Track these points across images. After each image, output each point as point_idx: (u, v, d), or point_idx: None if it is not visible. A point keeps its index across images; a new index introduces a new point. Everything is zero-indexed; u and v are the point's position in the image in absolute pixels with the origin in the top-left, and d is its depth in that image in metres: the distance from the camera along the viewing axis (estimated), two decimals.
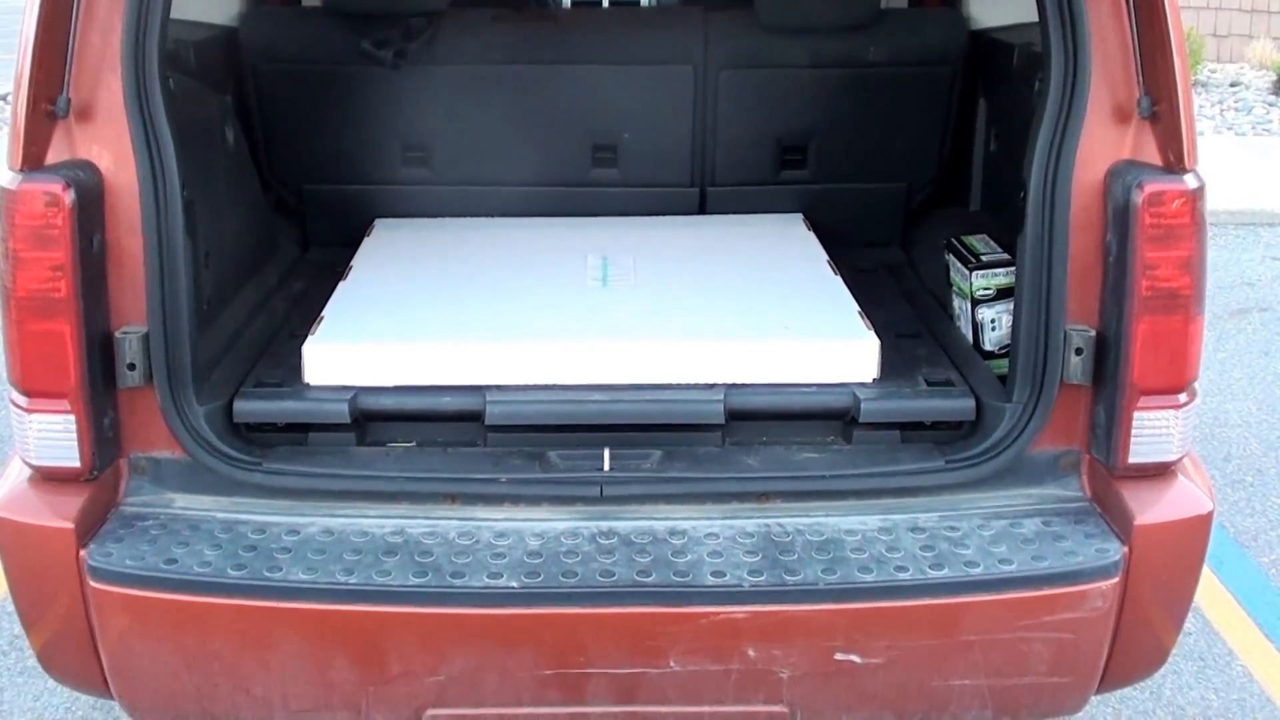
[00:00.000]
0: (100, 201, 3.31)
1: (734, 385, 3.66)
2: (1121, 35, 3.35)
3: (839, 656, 3.25)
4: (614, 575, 3.22)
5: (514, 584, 3.20)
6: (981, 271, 4.10)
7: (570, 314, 3.97)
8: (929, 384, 3.77)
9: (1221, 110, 15.46)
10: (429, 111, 4.95)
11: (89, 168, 3.29)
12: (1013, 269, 3.76)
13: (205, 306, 3.76)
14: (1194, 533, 3.42)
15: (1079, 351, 3.39)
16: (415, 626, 3.24)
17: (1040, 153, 3.37)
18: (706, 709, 3.33)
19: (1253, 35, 18.42)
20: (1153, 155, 3.34)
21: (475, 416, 3.60)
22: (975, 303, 4.10)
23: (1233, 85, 16.88)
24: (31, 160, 3.24)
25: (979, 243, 4.20)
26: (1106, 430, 3.39)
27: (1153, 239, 3.23)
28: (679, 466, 3.53)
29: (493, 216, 4.99)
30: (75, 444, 3.31)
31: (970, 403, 3.65)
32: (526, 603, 3.20)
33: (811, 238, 4.74)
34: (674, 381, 3.67)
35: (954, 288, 4.24)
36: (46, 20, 3.21)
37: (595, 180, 5.06)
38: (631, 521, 3.43)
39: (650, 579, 3.21)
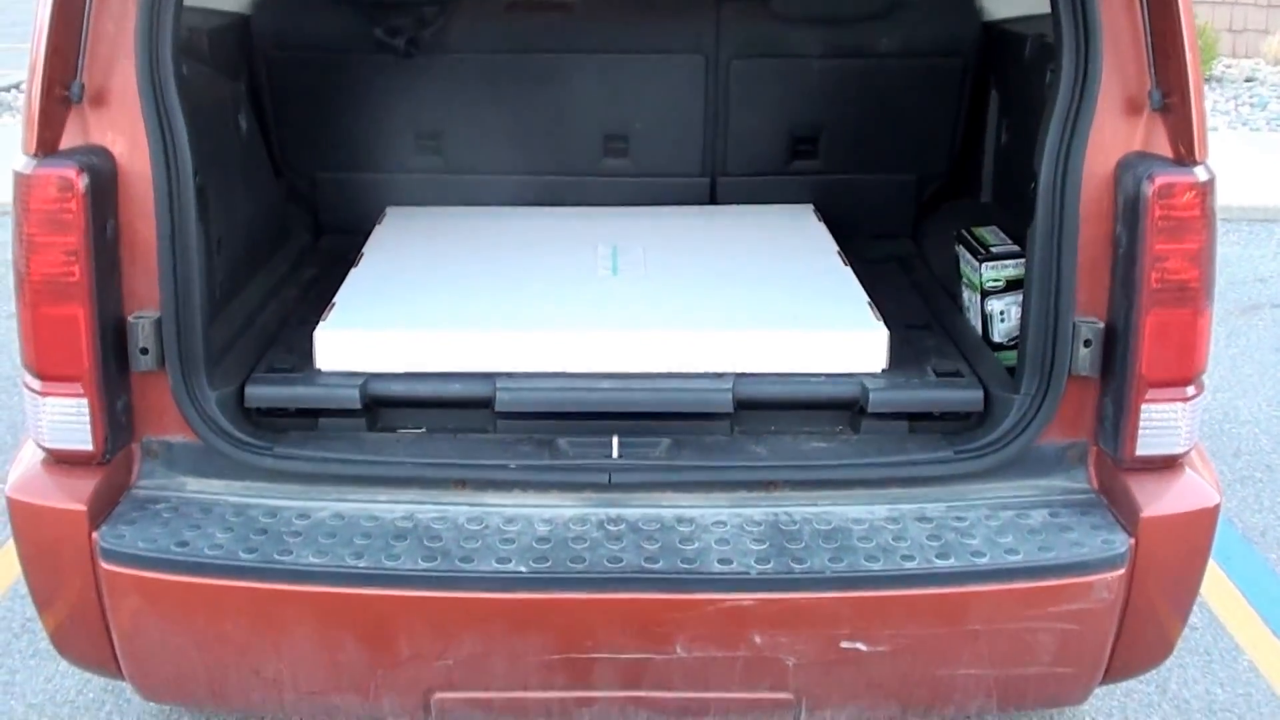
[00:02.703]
0: (114, 187, 3.33)
1: (743, 374, 3.67)
2: (1133, 27, 3.36)
3: (845, 644, 3.26)
4: (622, 561, 3.24)
5: (522, 569, 3.22)
6: (991, 263, 4.10)
7: (580, 303, 3.99)
8: (938, 375, 3.78)
9: (1236, 106, 15.43)
10: (441, 100, 4.97)
11: (103, 153, 3.31)
12: (1022, 261, 3.77)
13: (217, 292, 3.78)
14: (1200, 525, 3.43)
15: (1087, 343, 3.40)
16: (424, 610, 3.26)
17: (1051, 144, 3.38)
18: (713, 695, 3.35)
19: (1269, 30, 18.37)
20: (1164, 148, 3.35)
21: (485, 403, 3.62)
22: (984, 294, 4.11)
23: (1248, 80, 16.85)
24: (46, 145, 3.26)
25: (989, 234, 4.21)
26: (1114, 422, 3.40)
27: (1162, 231, 3.24)
28: (687, 455, 3.54)
29: (504, 205, 5.00)
30: (88, 427, 3.34)
31: (979, 394, 3.66)
32: (535, 588, 3.22)
33: (822, 228, 4.75)
34: (683, 370, 3.69)
35: (963, 279, 4.25)
36: (61, 6, 3.23)
37: (606, 170, 5.08)
38: (639, 509, 3.44)
39: (658, 566, 3.23)
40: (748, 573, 3.22)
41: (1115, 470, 3.45)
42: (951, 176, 5.18)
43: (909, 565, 3.24)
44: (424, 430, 3.69)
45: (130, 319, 3.39)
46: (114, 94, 3.34)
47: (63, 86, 3.29)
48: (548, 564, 3.23)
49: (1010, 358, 3.76)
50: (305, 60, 4.92)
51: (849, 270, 4.27)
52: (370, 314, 3.88)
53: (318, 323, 3.78)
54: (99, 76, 3.33)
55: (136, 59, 3.31)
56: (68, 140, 3.31)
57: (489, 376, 3.64)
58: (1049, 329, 3.42)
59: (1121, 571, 3.29)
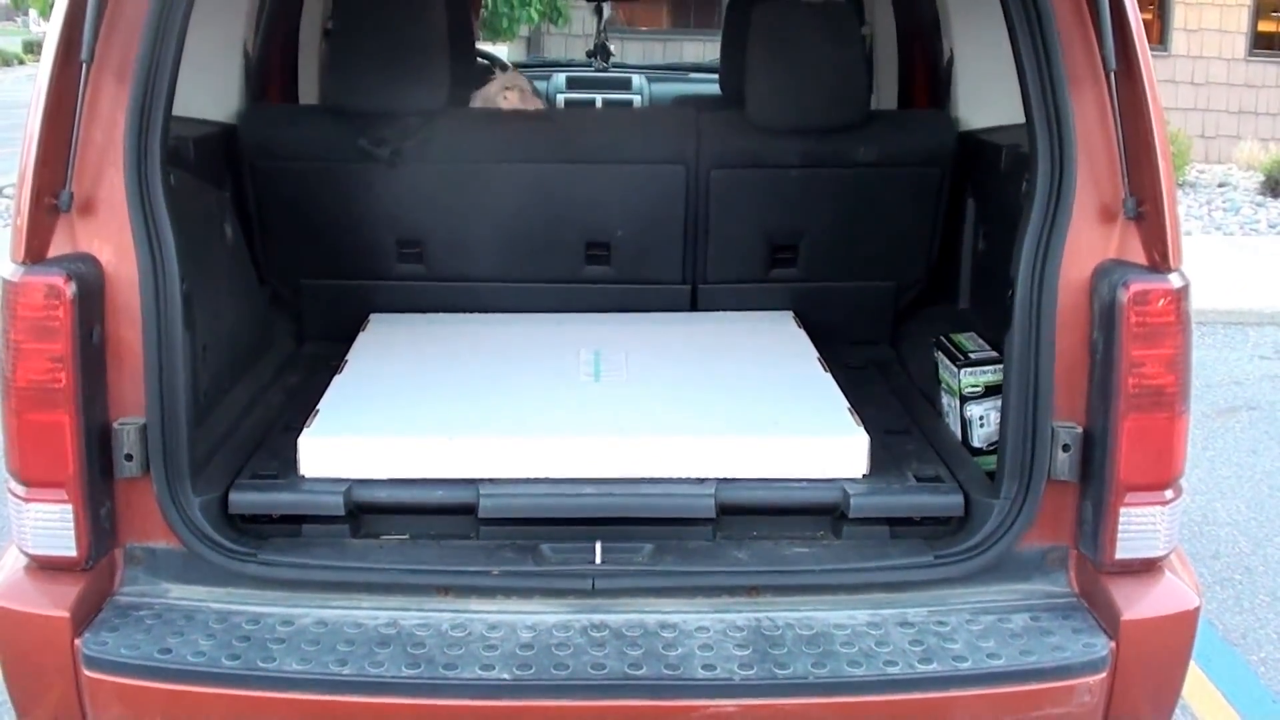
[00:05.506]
0: (101, 294, 3.35)
1: (725, 480, 3.68)
2: (1107, 137, 3.41)
3: None
4: (605, 668, 3.23)
5: (506, 676, 3.21)
6: (970, 369, 4.13)
7: (563, 409, 4.00)
8: (918, 480, 3.79)
9: (1210, 210, 15.61)
10: (424, 208, 4.99)
11: (90, 261, 3.34)
12: (1000, 367, 3.80)
13: (202, 399, 3.78)
14: (1181, 628, 3.44)
15: (1066, 448, 3.43)
16: (408, 717, 3.24)
17: (1027, 252, 3.42)
18: None
19: (1240, 136, 18.64)
20: (1138, 255, 3.39)
21: (468, 510, 3.62)
22: (964, 400, 4.14)
23: (1220, 185, 17.05)
24: (34, 253, 3.29)
25: (967, 340, 4.24)
26: (1093, 526, 3.42)
27: (1138, 337, 3.28)
28: (670, 560, 3.55)
29: (487, 312, 5.03)
30: (72, 533, 3.33)
31: (959, 499, 3.67)
32: (518, 695, 3.22)
33: (802, 335, 4.78)
34: (665, 476, 3.70)
35: (943, 385, 4.28)
36: (51, 116, 3.28)
37: (588, 277, 5.10)
38: (623, 614, 3.44)
39: (641, 672, 3.22)
40: (731, 679, 3.21)
41: (1095, 574, 3.46)
42: (929, 283, 5.21)
43: (892, 670, 3.24)
44: (407, 536, 3.69)
45: (115, 425, 3.40)
46: (102, 203, 3.37)
47: (51, 195, 3.31)
48: (531, 671, 3.23)
49: (990, 463, 3.78)
50: (290, 169, 4.95)
51: (829, 376, 4.29)
52: (354, 420, 3.89)
53: (302, 429, 3.79)
54: (87, 185, 3.36)
55: (125, 168, 3.35)
56: (55, 248, 3.34)
57: (472, 483, 3.64)
58: (1028, 434, 3.45)
59: (1103, 675, 3.30)
